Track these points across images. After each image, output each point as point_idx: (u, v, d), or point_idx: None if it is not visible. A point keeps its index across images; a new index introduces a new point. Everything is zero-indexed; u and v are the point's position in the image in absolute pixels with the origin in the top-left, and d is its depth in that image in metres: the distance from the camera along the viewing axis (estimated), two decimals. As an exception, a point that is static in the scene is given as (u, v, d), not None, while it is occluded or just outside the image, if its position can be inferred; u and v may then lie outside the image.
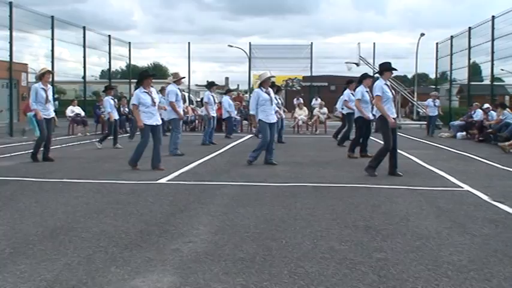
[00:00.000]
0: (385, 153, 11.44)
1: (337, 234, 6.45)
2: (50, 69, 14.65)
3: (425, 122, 31.23)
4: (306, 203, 8.34)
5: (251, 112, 13.51)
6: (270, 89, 13.53)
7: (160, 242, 6.04)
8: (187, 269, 5.06)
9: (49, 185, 10.05)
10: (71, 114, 25.71)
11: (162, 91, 22.43)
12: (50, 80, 14.49)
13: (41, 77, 13.68)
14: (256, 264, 5.23)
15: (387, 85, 11.54)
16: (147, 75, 12.59)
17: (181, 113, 15.93)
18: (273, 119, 13.37)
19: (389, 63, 11.77)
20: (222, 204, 8.28)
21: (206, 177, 11.03)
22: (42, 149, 13.75)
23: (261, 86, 13.35)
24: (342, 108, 20.12)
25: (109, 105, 18.23)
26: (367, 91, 15.30)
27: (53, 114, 13.91)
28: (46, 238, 6.15)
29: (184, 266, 5.16)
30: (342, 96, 19.60)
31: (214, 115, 20.14)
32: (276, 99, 16.23)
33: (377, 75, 11.97)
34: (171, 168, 12.07)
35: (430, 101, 26.28)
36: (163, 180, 10.57)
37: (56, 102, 27.32)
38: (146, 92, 12.13)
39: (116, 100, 19.74)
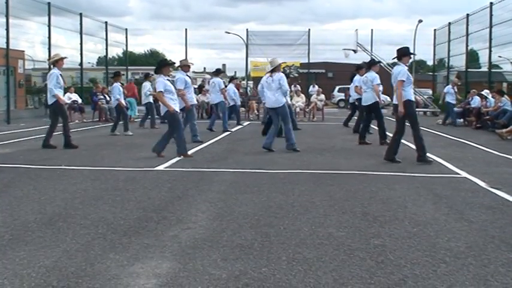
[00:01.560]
0: (421, 136, 11.38)
1: (335, 220, 6.47)
2: (62, 55, 14.64)
3: (430, 109, 31.12)
4: (304, 190, 8.36)
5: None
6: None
7: (158, 228, 6.06)
8: (186, 255, 5.08)
9: (47, 172, 10.05)
10: (68, 101, 25.54)
11: (146, 77, 22.46)
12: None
13: (55, 63, 13.82)
14: (254, 250, 5.25)
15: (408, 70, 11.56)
16: (167, 63, 12.75)
17: (192, 100, 15.68)
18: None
19: (408, 47, 11.73)
20: (220, 191, 8.29)
21: (204, 164, 11.04)
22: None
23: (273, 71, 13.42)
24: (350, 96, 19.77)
25: (118, 92, 18.28)
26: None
27: None
28: (45, 225, 6.17)
29: (182, 252, 5.18)
30: (353, 83, 18.95)
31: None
32: None
33: (395, 59, 11.89)
34: (168, 155, 12.07)
35: (449, 88, 24.19)
36: (160, 167, 10.57)
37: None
38: (169, 80, 12.22)
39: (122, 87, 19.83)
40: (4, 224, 6.20)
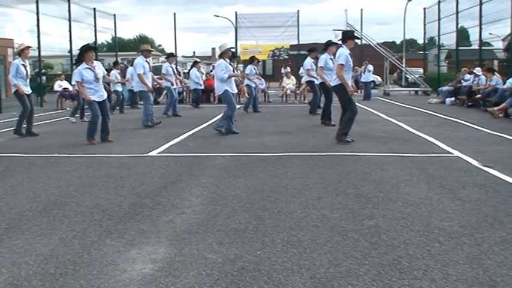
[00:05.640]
0: (353, 118, 11.63)
1: (328, 202, 6.51)
2: (28, 44, 14.43)
3: (421, 89, 31.05)
4: (297, 173, 8.39)
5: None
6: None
7: (153, 214, 6.08)
8: (181, 240, 5.11)
9: (40, 160, 10.05)
10: (59, 89, 25.46)
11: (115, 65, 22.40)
12: (29, 55, 14.32)
13: (20, 52, 13.66)
14: (249, 234, 5.28)
15: (350, 54, 11.57)
16: (88, 48, 12.44)
17: (150, 85, 15.74)
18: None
19: (353, 31, 11.79)
20: (213, 175, 8.31)
21: (196, 149, 11.06)
22: (24, 125, 13.76)
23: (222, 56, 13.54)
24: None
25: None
26: (331, 58, 15.10)
27: (30, 90, 14.01)
28: (40, 213, 6.18)
29: (178, 237, 5.21)
30: (304, 65, 19.38)
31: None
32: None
33: (340, 42, 11.92)
34: (160, 141, 12.09)
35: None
36: (153, 153, 10.59)
37: (44, 77, 27.14)
38: (89, 68, 11.94)
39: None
40: (0, 212, 6.21)
